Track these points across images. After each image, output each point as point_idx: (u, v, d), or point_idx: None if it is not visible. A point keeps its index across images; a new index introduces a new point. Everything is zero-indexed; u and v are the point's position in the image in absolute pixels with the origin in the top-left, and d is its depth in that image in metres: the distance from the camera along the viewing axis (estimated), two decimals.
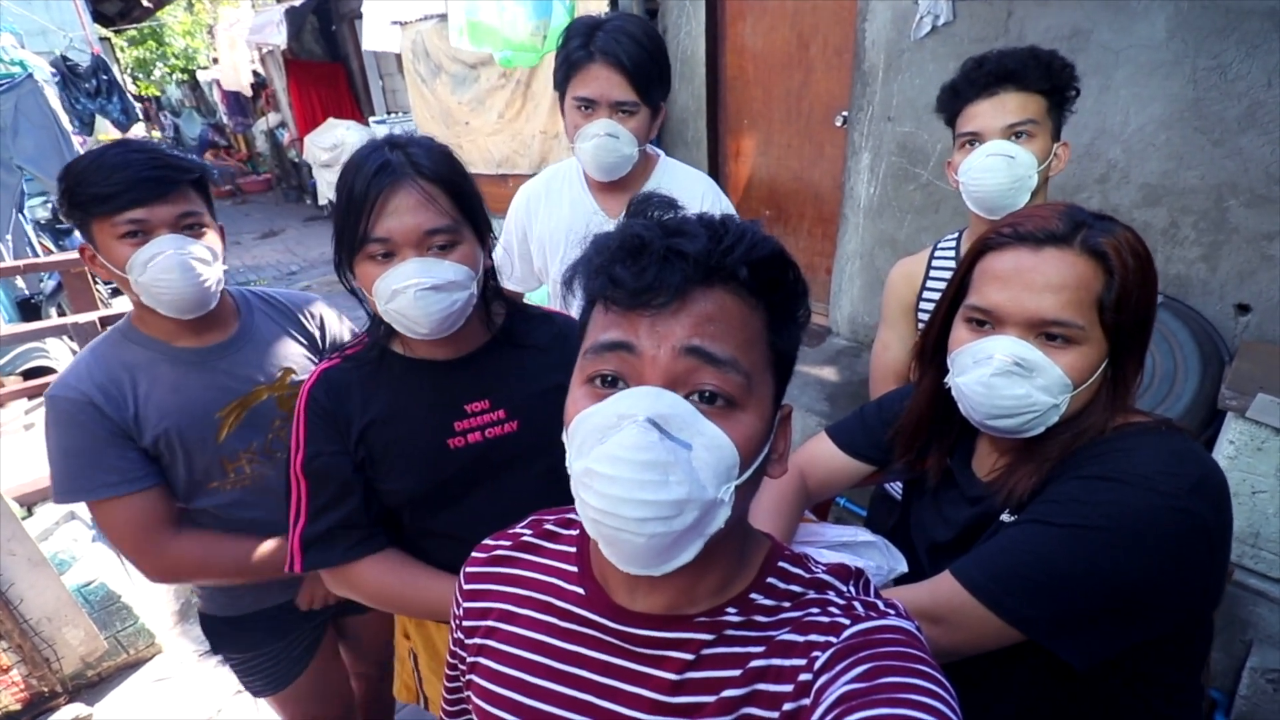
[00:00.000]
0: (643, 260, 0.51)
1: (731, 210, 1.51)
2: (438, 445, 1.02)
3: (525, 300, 1.73)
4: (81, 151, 4.97)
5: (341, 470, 1.02)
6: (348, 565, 1.04)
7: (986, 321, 0.83)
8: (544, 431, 1.05)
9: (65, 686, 2.29)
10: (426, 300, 0.92)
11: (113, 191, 1.07)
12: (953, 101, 1.28)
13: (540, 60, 4.04)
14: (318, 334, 1.42)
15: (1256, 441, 1.67)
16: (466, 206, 0.98)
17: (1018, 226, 0.82)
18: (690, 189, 1.58)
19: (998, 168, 1.20)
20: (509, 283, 1.74)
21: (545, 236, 1.60)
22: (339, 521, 1.02)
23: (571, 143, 1.47)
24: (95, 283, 3.07)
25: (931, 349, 0.96)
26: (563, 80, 1.44)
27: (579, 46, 1.38)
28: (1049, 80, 1.20)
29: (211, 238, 1.20)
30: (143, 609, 2.47)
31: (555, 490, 1.13)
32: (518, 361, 1.08)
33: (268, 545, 1.26)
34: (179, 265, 1.11)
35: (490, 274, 1.09)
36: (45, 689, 2.24)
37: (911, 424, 1.01)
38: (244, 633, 1.39)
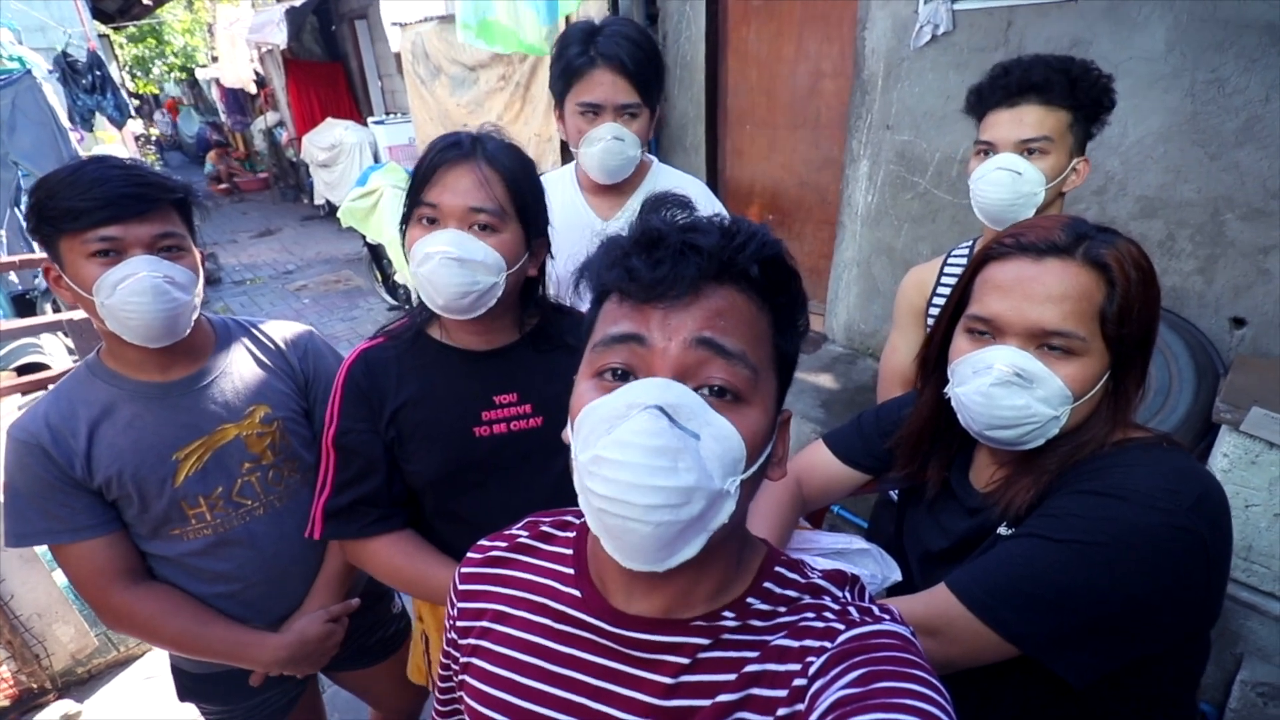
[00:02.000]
0: (658, 253, 0.52)
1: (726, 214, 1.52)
2: (464, 431, 1.06)
3: None
4: (78, 148, 4.97)
5: (369, 448, 1.06)
6: (363, 541, 1.09)
7: (987, 331, 0.83)
8: None
9: (55, 683, 2.28)
10: (449, 270, 0.96)
11: (87, 207, 0.99)
12: (977, 105, 1.28)
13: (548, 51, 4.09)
14: (299, 370, 1.31)
15: (1250, 455, 1.67)
16: (521, 204, 1.02)
17: (1020, 237, 0.82)
18: (684, 193, 1.60)
19: (1003, 182, 1.20)
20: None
21: None
22: (361, 497, 1.07)
23: (575, 148, 1.47)
24: None
25: (934, 360, 0.95)
26: (563, 88, 1.44)
27: (579, 53, 1.38)
28: (1073, 96, 1.18)
29: (190, 261, 1.11)
30: None
31: (570, 488, 1.16)
32: (548, 361, 1.12)
33: (221, 628, 1.20)
34: (151, 288, 1.02)
35: (536, 282, 1.12)
36: (35, 686, 2.22)
37: (914, 434, 1.00)
38: (214, 689, 1.32)
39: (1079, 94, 1.18)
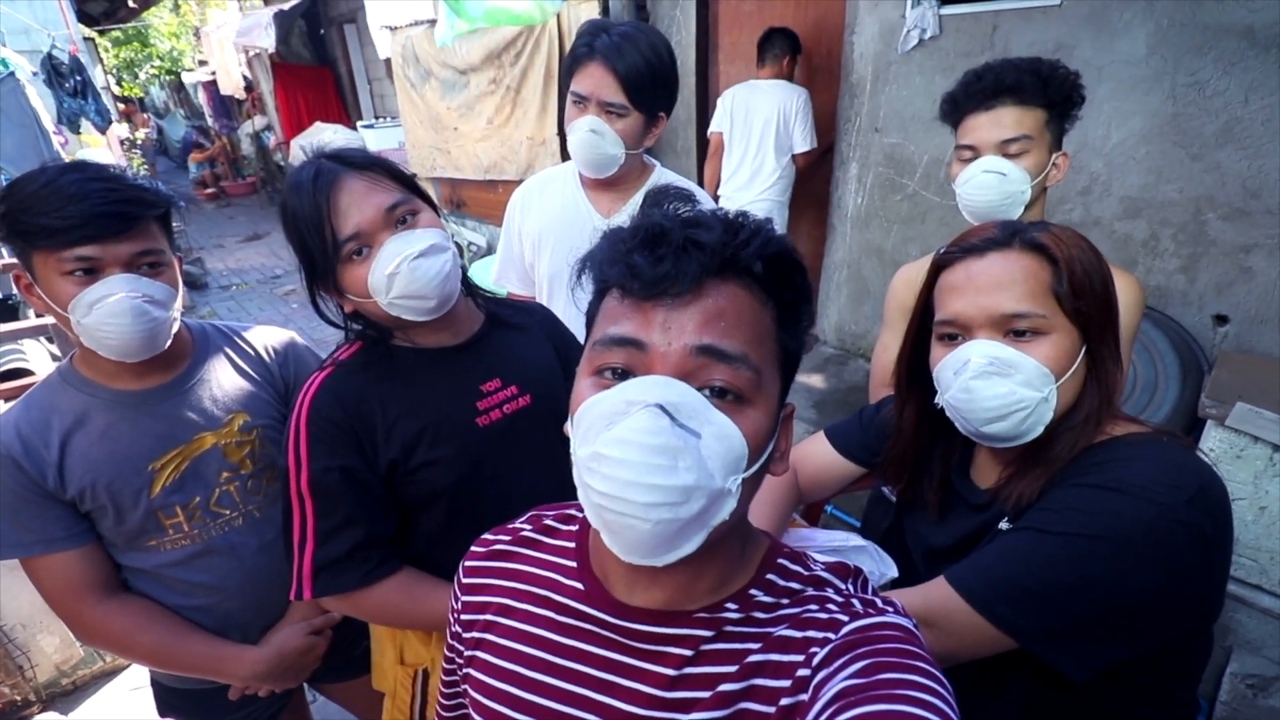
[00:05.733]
0: (661, 249, 0.51)
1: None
2: (468, 424, 1.03)
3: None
4: (61, 151, 4.90)
5: (357, 484, 0.97)
6: (363, 590, 0.99)
7: (957, 334, 0.85)
8: (553, 403, 1.10)
9: (39, 695, 2.24)
10: (421, 268, 0.92)
11: (63, 225, 0.94)
12: (953, 112, 1.30)
13: (543, 24, 4.03)
14: (279, 376, 1.27)
15: (1235, 449, 1.70)
16: (412, 184, 1.00)
17: (961, 243, 0.86)
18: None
19: (990, 185, 1.22)
20: (513, 287, 1.74)
21: (535, 233, 1.63)
22: (360, 541, 0.97)
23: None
24: None
25: (906, 376, 0.97)
26: (566, 74, 1.50)
27: (584, 44, 1.44)
28: (1046, 94, 1.20)
29: (170, 275, 1.07)
30: None
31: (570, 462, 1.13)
32: (513, 341, 1.12)
33: (197, 642, 1.15)
34: (130, 309, 0.99)
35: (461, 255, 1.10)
36: (18, 698, 2.18)
37: (899, 454, 1.02)
38: (194, 704, 1.27)
39: (1051, 91, 1.21)
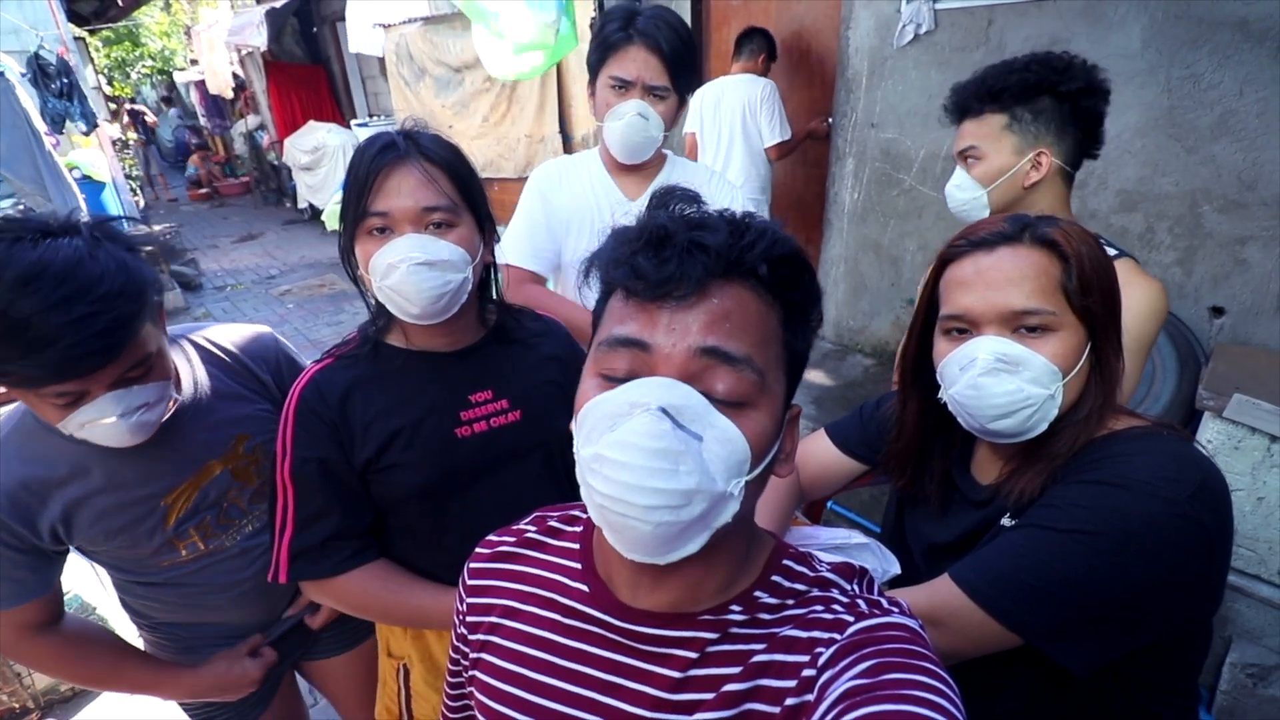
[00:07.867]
0: (665, 252, 0.51)
1: (744, 202, 1.58)
2: (446, 434, 1.02)
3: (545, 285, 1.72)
4: (53, 152, 4.85)
5: (333, 476, 0.99)
6: (335, 578, 1.02)
7: (964, 329, 0.85)
8: (544, 422, 1.08)
9: (37, 702, 2.23)
10: (419, 276, 0.92)
11: (36, 374, 0.83)
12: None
13: (552, 65, 3.94)
14: (272, 384, 1.25)
15: (1233, 441, 1.71)
16: (468, 193, 0.99)
17: (970, 236, 0.86)
18: (702, 182, 1.66)
19: (951, 194, 1.38)
20: (523, 261, 1.65)
21: (565, 213, 1.61)
22: (335, 532, 1.00)
23: (600, 122, 1.51)
24: None
25: (911, 370, 0.97)
26: (597, 61, 1.48)
27: (617, 29, 1.43)
28: (997, 100, 1.25)
29: (161, 368, 0.98)
30: (118, 620, 2.40)
31: (552, 480, 1.09)
32: (514, 355, 1.10)
33: (136, 670, 1.17)
34: (126, 428, 0.94)
35: (490, 269, 1.09)
36: (16, 705, 2.17)
37: (902, 449, 1.01)
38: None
39: (1003, 96, 1.24)
